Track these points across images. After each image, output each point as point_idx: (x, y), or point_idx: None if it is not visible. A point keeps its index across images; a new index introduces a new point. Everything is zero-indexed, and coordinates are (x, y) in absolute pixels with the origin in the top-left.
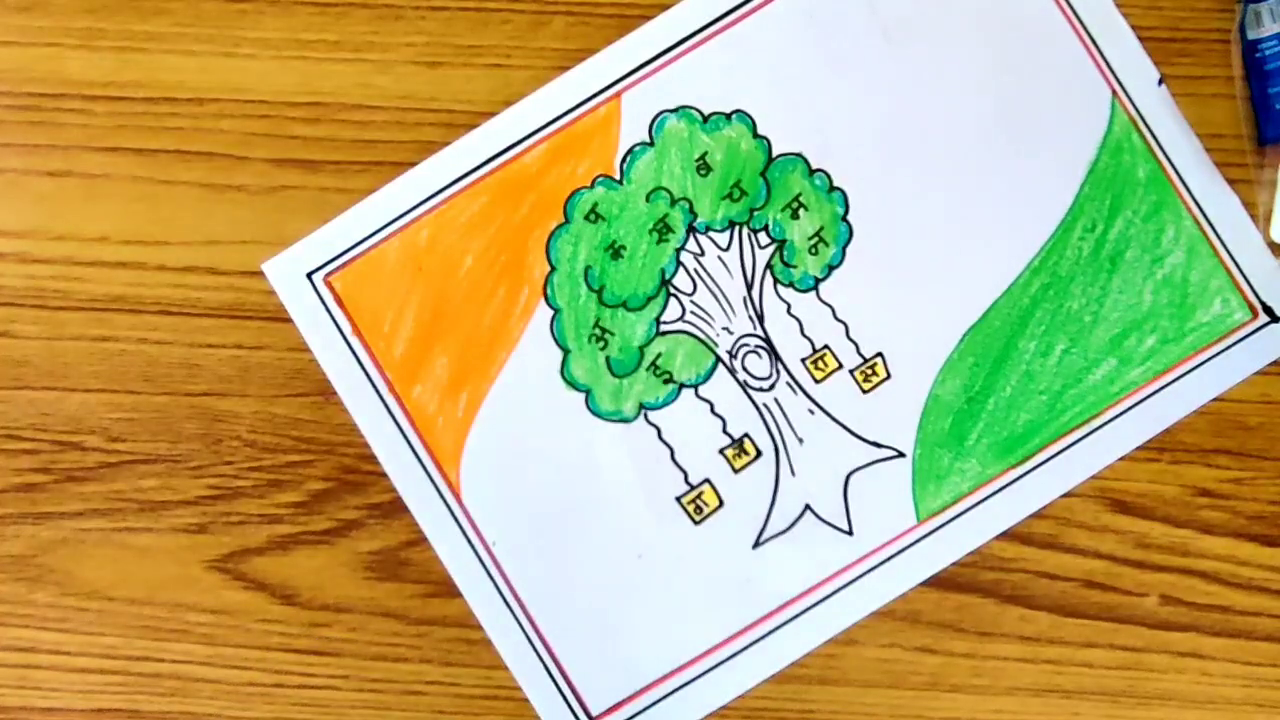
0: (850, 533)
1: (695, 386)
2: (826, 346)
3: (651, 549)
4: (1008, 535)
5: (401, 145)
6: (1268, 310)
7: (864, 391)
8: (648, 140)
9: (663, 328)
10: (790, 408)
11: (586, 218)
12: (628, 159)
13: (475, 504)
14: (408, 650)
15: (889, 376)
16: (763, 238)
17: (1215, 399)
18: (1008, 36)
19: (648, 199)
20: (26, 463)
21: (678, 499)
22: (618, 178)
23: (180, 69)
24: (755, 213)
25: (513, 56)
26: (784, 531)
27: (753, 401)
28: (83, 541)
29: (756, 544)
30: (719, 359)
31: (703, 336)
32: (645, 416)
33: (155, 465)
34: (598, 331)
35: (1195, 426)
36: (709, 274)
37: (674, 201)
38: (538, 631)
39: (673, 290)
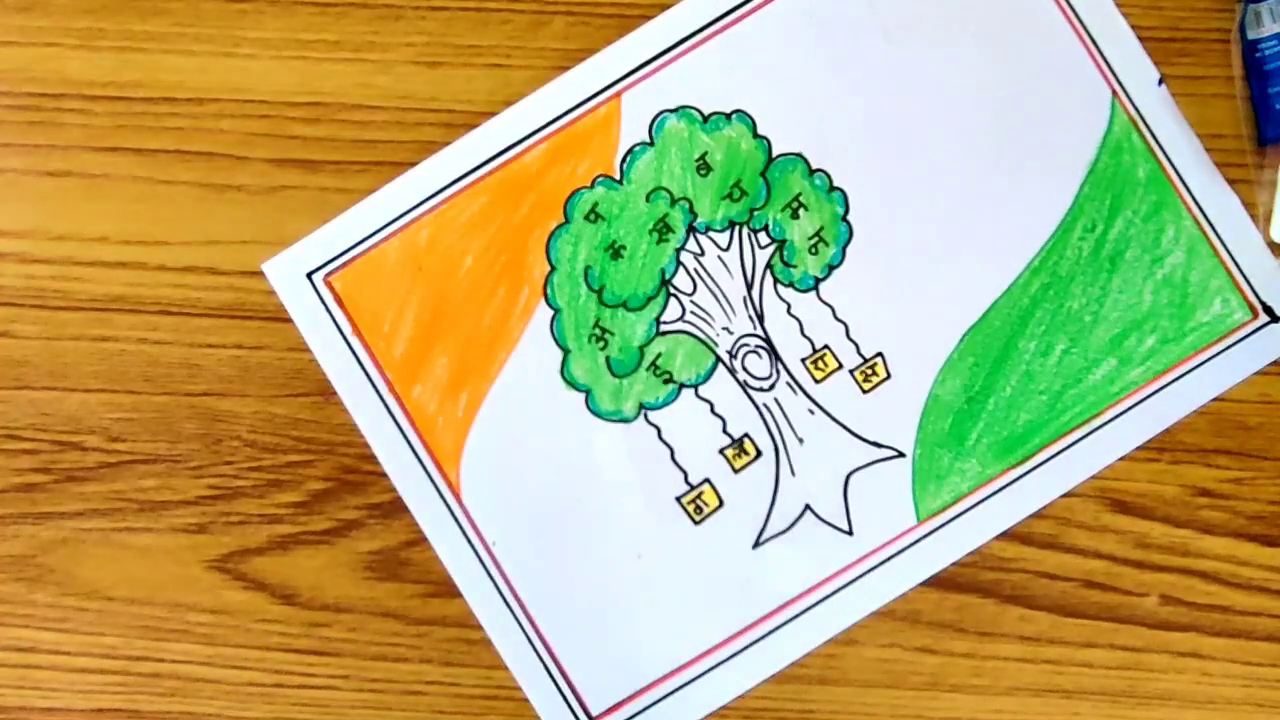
0: (850, 533)
1: (695, 386)
2: (826, 346)
3: (651, 549)
4: (1008, 535)
5: (401, 145)
6: (1268, 310)
7: (864, 391)
8: (648, 140)
9: (663, 328)
10: (790, 408)
11: (586, 218)
12: (628, 159)
13: (475, 504)
14: (408, 650)
15: (889, 376)
16: (763, 238)
17: (1215, 399)
18: (1008, 36)
19: (648, 199)
20: (26, 463)
21: (678, 499)
22: (618, 178)
23: (180, 69)
24: (755, 213)
25: (513, 56)
26: (784, 531)
27: (753, 401)
28: (83, 541)
29: (756, 544)
30: (719, 359)
31: (703, 336)
32: (645, 416)
33: (155, 465)
34: (598, 331)
35: (1195, 426)
36: (709, 274)
37: (674, 201)
38: (538, 631)
39: (673, 290)
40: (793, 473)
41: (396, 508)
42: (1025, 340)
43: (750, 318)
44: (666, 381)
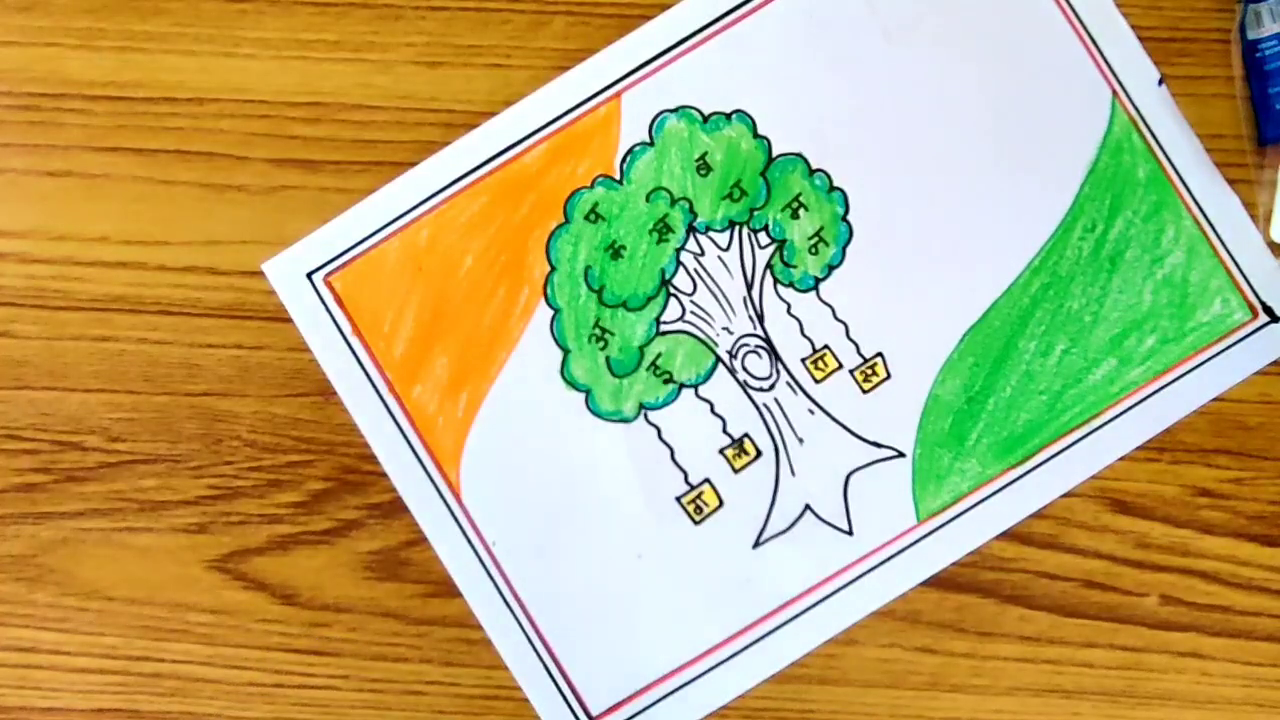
0: (850, 533)
1: (695, 386)
2: (826, 346)
3: (651, 549)
4: (1008, 535)
5: (401, 145)
6: (1268, 310)
7: (864, 391)
8: (648, 140)
9: (663, 328)
10: (790, 408)
11: (586, 218)
12: (628, 159)
13: (475, 504)
14: (408, 650)
15: (889, 376)
16: (763, 238)
17: (1215, 399)
18: (1008, 36)
19: (648, 199)
20: (26, 463)
21: (678, 499)
22: (618, 178)
23: (180, 69)
24: (755, 213)
25: (513, 56)
26: (784, 531)
27: (753, 401)
28: (83, 541)
29: (756, 544)
30: (719, 359)
31: (703, 336)
32: (645, 416)
33: (155, 465)
34: (598, 331)
35: (1195, 426)
36: (709, 274)
37: (674, 201)
38: (538, 631)
39: (673, 290)
40: (793, 473)
41: (396, 508)
42: (1025, 340)
43: (750, 318)
44: (666, 381)
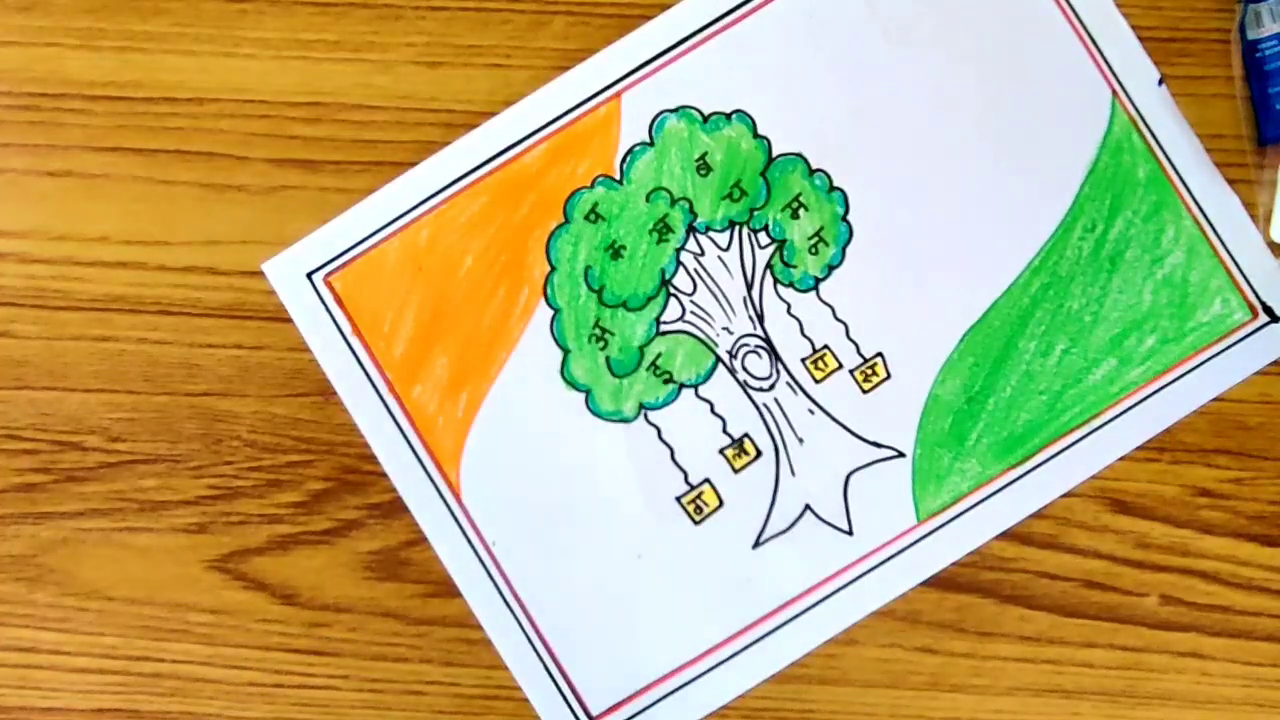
0: (850, 533)
1: (695, 386)
2: (826, 346)
3: (651, 549)
4: (1008, 535)
5: (401, 145)
6: (1268, 310)
7: (864, 391)
8: (648, 140)
9: (663, 328)
10: (790, 408)
11: (586, 218)
12: (628, 159)
13: (475, 504)
14: (408, 650)
15: (889, 376)
16: (763, 238)
17: (1215, 399)
18: (1008, 36)
19: (648, 199)
20: (26, 463)
21: (678, 499)
22: (618, 178)
23: (180, 69)
24: (755, 213)
25: (513, 56)
26: (784, 531)
27: (753, 401)
28: (83, 541)
29: (756, 544)
30: (719, 359)
31: (703, 336)
32: (645, 416)
33: (155, 465)
34: (598, 331)
35: (1195, 426)
36: (709, 274)
37: (674, 201)
38: (538, 631)
39: (673, 290)
40: (793, 473)
41: (396, 508)
42: (1025, 340)
43: (750, 318)
44: (666, 381)
